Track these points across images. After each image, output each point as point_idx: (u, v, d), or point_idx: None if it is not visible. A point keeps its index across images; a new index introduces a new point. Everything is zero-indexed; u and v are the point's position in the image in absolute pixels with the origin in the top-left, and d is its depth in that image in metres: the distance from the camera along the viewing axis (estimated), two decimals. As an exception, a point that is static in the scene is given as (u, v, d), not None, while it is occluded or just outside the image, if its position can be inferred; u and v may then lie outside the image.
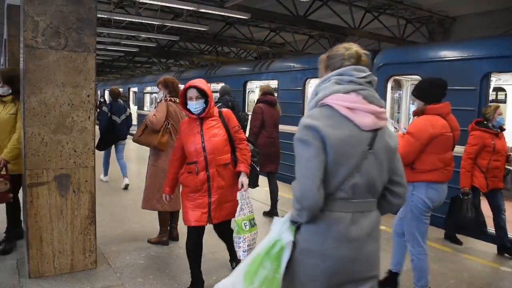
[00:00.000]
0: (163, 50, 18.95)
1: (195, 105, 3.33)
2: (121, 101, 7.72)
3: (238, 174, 3.45)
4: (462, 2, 11.20)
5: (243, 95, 10.96)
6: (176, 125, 4.62)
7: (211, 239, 4.94)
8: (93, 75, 3.82)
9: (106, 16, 11.96)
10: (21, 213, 4.21)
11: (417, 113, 3.53)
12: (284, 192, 6.49)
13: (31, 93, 3.54)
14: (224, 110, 3.53)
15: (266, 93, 6.00)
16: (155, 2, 10.27)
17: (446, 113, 3.46)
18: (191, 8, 10.56)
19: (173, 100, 4.69)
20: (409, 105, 8.59)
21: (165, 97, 4.72)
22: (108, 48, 18.09)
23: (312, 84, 9.45)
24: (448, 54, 6.20)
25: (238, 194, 3.35)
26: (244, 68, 11.43)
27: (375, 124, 1.86)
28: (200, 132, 3.34)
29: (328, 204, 1.83)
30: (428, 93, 3.50)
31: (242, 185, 3.38)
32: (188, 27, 13.35)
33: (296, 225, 1.90)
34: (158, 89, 4.82)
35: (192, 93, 3.33)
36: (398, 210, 3.58)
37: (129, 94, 21.63)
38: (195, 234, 3.44)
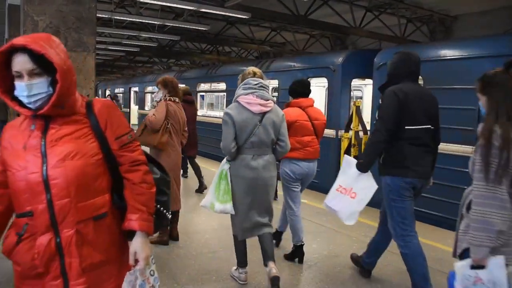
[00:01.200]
0: (164, 50, 18.95)
1: (28, 90, 1.62)
2: (114, 102, 7.81)
3: (128, 235, 1.83)
4: (463, 1, 11.18)
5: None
6: (176, 125, 4.64)
7: (212, 239, 4.97)
8: (93, 74, 3.82)
9: (107, 16, 11.97)
10: None
11: (287, 106, 4.47)
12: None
13: (31, 93, 3.52)
14: (100, 101, 1.83)
15: (185, 93, 7.28)
16: (156, 2, 10.27)
17: (305, 106, 4.39)
18: (192, 8, 10.56)
19: (172, 99, 4.71)
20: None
21: (165, 96, 4.73)
22: (109, 47, 18.11)
23: (313, 84, 9.45)
24: (449, 53, 6.19)
25: (127, 278, 1.76)
26: (245, 68, 11.45)
27: (261, 110, 3.49)
28: (41, 148, 1.66)
29: (241, 151, 3.53)
30: (294, 91, 4.52)
31: (136, 261, 1.78)
32: (189, 26, 13.35)
33: (229, 161, 3.60)
34: (157, 89, 4.84)
35: (21, 63, 1.61)
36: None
37: (130, 94, 21.65)
38: None
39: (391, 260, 4.46)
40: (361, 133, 7.62)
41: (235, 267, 3.92)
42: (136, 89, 21.31)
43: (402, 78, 3.54)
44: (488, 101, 2.36)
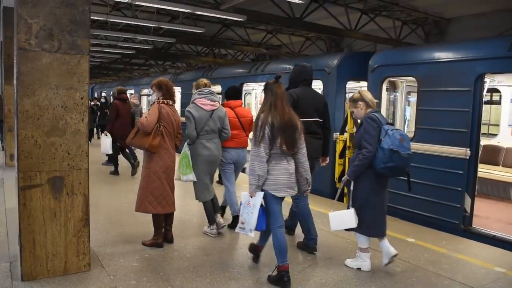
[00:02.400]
0: (160, 52, 18.95)
1: None
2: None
3: None
4: (458, 4, 11.24)
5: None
6: (168, 127, 4.63)
7: (206, 241, 4.96)
8: (87, 77, 3.81)
9: (102, 19, 11.96)
10: None
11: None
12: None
13: (24, 95, 3.53)
14: None
15: (120, 93, 9.18)
16: (152, 5, 10.29)
17: (234, 106, 5.56)
18: (187, 11, 10.57)
19: (166, 102, 4.71)
20: (405, 106, 8.62)
21: (158, 99, 4.73)
22: (105, 50, 18.09)
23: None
24: (442, 55, 6.22)
25: None
26: (241, 70, 11.45)
27: (211, 108, 4.98)
28: None
29: (199, 137, 4.93)
30: (227, 94, 5.74)
31: None
32: (184, 29, 13.36)
33: (189, 145, 4.96)
34: (151, 91, 4.84)
35: None
36: None
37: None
38: None
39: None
40: (356, 135, 7.64)
41: (206, 226, 5.25)
42: (132, 91, 21.27)
43: (298, 84, 4.90)
44: (264, 98, 3.93)
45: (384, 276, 4.15)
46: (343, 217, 4.19)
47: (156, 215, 4.65)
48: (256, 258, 4.36)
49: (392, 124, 4.26)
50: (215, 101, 5.06)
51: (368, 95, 4.25)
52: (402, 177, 4.20)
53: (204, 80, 5.31)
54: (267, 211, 3.87)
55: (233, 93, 5.76)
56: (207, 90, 5.10)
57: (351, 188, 4.23)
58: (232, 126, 5.35)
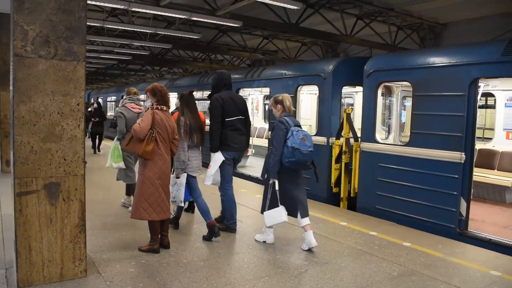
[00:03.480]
0: (156, 58, 18.98)
1: None
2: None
3: None
4: (452, 9, 11.33)
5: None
6: (163, 133, 4.60)
7: (202, 247, 4.97)
8: (83, 83, 3.82)
9: (99, 25, 11.99)
10: None
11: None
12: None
13: (21, 101, 3.54)
14: None
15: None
16: (148, 11, 10.32)
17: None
18: (183, 17, 10.62)
19: (159, 108, 4.68)
20: (401, 111, 8.67)
21: (152, 105, 4.72)
22: (101, 56, 18.11)
23: (303, 91, 9.51)
24: (437, 60, 6.25)
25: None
26: (237, 76, 11.46)
27: (138, 111, 6.49)
28: None
29: (127, 133, 5.68)
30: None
31: None
32: (181, 35, 13.40)
33: (119, 139, 6.21)
34: (146, 97, 4.82)
35: None
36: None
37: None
38: None
39: (381, 267, 4.50)
40: (352, 140, 7.67)
41: (123, 199, 6.73)
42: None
43: (220, 89, 5.54)
44: (180, 105, 5.26)
45: (381, 280, 4.16)
46: (275, 214, 4.91)
47: (152, 221, 4.64)
48: (177, 225, 5.67)
49: (300, 126, 5.01)
50: (140, 106, 6.60)
51: (287, 102, 5.05)
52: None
53: (134, 89, 6.89)
54: (190, 187, 5.26)
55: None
56: (135, 97, 6.67)
57: (276, 188, 4.88)
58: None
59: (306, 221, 4.92)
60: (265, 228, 5.21)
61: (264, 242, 5.16)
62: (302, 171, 5.06)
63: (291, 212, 4.96)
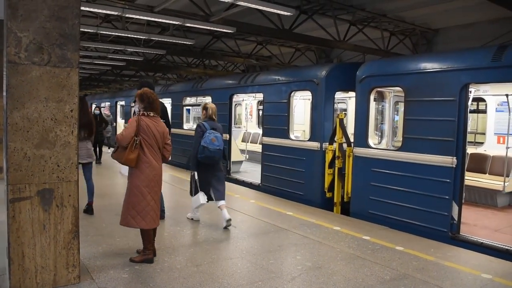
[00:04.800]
0: (150, 63, 19.00)
1: None
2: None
3: None
4: (444, 15, 11.47)
5: (229, 108, 11.01)
6: (149, 140, 4.49)
7: (196, 252, 4.97)
8: (76, 90, 3.84)
9: (93, 31, 12.01)
10: None
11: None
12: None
13: (14, 108, 3.55)
14: None
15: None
16: (142, 17, 10.36)
17: None
18: (177, 23, 10.66)
19: (146, 114, 4.57)
20: (393, 116, 8.73)
21: (139, 111, 4.63)
22: (95, 62, 18.10)
23: (297, 97, 9.56)
24: (428, 65, 6.33)
25: None
26: (230, 81, 11.51)
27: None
28: None
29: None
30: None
31: None
32: (175, 41, 13.44)
33: None
34: (134, 102, 4.77)
35: None
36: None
37: (116, 108, 21.57)
38: None
39: (373, 271, 4.52)
40: (345, 145, 7.72)
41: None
42: (123, 103, 21.26)
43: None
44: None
45: (373, 284, 4.18)
46: (196, 198, 6.00)
47: (144, 230, 4.56)
48: (91, 211, 6.56)
49: (216, 129, 6.00)
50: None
51: (211, 111, 6.11)
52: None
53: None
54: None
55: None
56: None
57: (196, 178, 6.03)
58: None
59: (221, 202, 6.05)
60: (193, 209, 6.32)
61: (192, 219, 6.37)
62: (221, 165, 6.27)
63: (210, 197, 6.09)
